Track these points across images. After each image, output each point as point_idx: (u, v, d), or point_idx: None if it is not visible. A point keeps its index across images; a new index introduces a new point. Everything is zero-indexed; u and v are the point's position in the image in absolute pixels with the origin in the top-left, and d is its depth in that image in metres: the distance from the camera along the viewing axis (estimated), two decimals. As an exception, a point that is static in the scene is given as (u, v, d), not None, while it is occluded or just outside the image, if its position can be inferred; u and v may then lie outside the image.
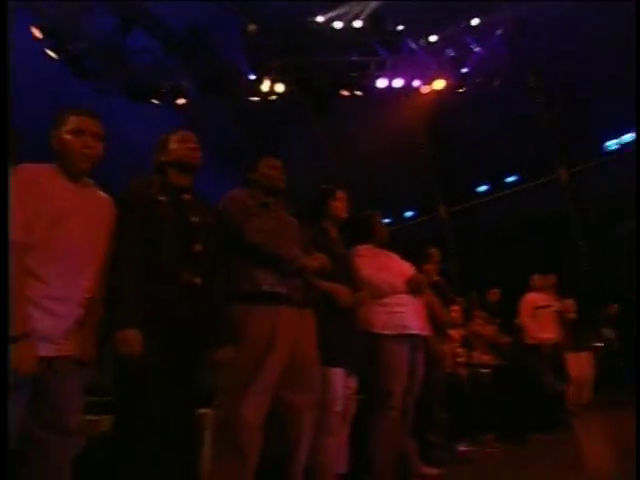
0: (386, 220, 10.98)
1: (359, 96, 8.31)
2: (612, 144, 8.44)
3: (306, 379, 2.13)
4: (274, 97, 8.48)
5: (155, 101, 7.92)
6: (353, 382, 2.58)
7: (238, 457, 1.97)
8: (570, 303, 5.41)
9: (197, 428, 2.35)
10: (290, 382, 2.08)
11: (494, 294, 5.71)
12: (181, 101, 8.14)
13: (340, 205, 2.62)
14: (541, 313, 5.11)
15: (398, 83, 7.99)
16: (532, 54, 8.52)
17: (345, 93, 8.25)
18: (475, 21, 8.25)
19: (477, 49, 8.09)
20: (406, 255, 3.34)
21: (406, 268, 2.95)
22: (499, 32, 8.26)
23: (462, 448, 3.74)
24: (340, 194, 2.64)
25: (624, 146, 8.33)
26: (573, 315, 5.43)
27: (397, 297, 2.74)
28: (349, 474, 2.70)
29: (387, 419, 2.74)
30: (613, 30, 7.53)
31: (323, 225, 2.61)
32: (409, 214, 10.91)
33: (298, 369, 2.10)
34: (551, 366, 5.06)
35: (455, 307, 4.20)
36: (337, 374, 2.37)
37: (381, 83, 8.00)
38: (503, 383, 4.34)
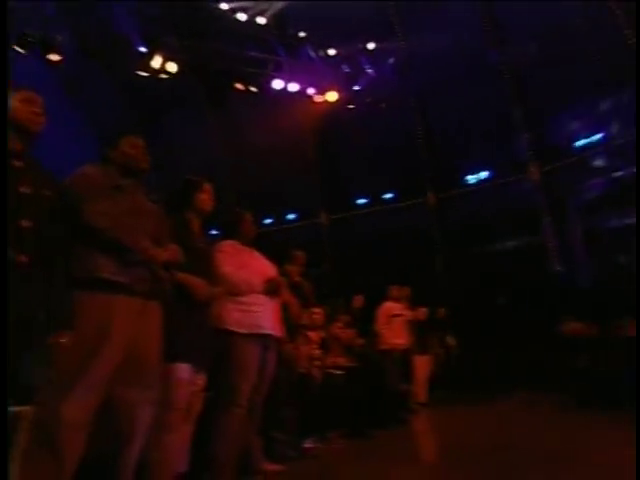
0: (268, 220, 11.16)
1: (254, 92, 8.28)
2: (472, 178, 9.68)
3: (144, 374, 2.04)
4: (165, 76, 8.03)
5: (19, 49, 6.83)
6: (202, 379, 2.53)
7: (54, 459, 1.80)
8: (422, 311, 6.01)
9: (10, 427, 2.10)
10: (126, 376, 1.96)
11: (358, 300, 6.09)
12: (54, 57, 7.18)
13: (206, 198, 2.57)
14: (395, 321, 5.60)
15: (293, 87, 8.15)
16: (418, 85, 9.33)
17: (240, 87, 8.16)
18: (371, 45, 8.82)
19: (370, 71, 8.63)
20: (279, 256, 3.40)
21: (268, 268, 2.99)
22: (391, 60, 8.94)
23: (308, 445, 3.90)
24: (207, 187, 2.59)
25: (481, 181, 9.59)
26: (423, 321, 6.07)
27: (253, 296, 2.76)
28: (189, 472, 2.65)
29: (232, 417, 2.74)
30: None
31: (186, 216, 2.53)
32: (291, 216, 11.14)
33: (136, 363, 1.99)
34: (399, 368, 5.57)
35: (317, 310, 4.38)
36: (182, 370, 2.30)
37: (277, 84, 8.08)
38: (354, 384, 4.63)
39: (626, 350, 5.40)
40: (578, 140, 8.64)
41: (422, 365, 6.15)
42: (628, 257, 8.45)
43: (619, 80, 7.58)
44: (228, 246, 2.84)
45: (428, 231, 9.84)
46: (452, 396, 6.66)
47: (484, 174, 9.54)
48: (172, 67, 7.92)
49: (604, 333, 6.18)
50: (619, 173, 8.35)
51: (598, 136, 8.40)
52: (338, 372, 4.51)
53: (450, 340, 7.84)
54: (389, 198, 10.24)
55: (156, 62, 7.78)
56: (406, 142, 9.47)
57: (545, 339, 6.74)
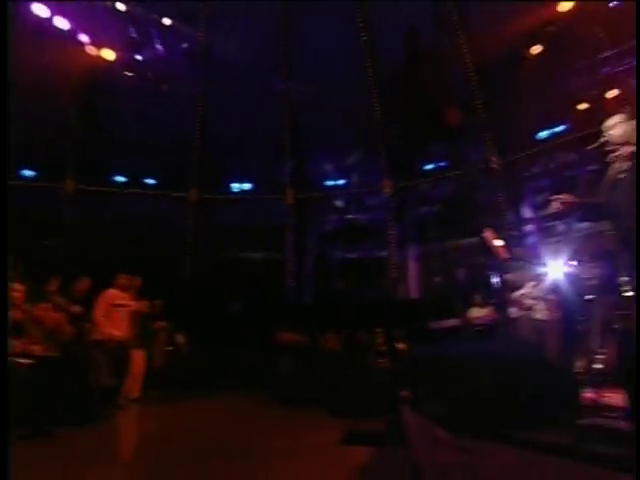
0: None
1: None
2: (236, 187, 10.15)
3: None
4: None
5: None
6: None
7: None
8: (144, 304, 5.75)
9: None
10: None
11: (83, 283, 5.47)
12: None
13: None
14: (115, 310, 5.21)
15: (62, 24, 6.91)
16: (206, 81, 9.24)
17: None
18: (167, 21, 8.27)
19: (159, 47, 8.08)
20: None
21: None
22: (184, 45, 8.57)
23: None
24: None
25: (243, 192, 10.08)
26: (146, 314, 5.85)
27: None
28: None
29: None
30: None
31: None
32: (28, 173, 9.29)
33: None
34: (112, 362, 5.15)
35: (17, 287, 3.71)
36: None
37: (39, 9, 6.69)
38: (46, 376, 4.05)
39: (326, 360, 6.45)
40: (328, 180, 10.19)
41: (139, 360, 5.89)
42: (342, 283, 10.31)
43: (365, 141, 9.29)
44: None
45: (182, 226, 9.69)
46: (171, 393, 6.61)
47: (247, 186, 10.10)
48: None
49: (312, 344, 7.24)
50: (350, 216, 10.21)
51: (342, 182, 10.11)
52: (25, 361, 3.86)
53: (179, 338, 7.80)
54: (149, 184, 9.67)
55: None
56: (180, 132, 9.17)
57: (266, 345, 7.44)
